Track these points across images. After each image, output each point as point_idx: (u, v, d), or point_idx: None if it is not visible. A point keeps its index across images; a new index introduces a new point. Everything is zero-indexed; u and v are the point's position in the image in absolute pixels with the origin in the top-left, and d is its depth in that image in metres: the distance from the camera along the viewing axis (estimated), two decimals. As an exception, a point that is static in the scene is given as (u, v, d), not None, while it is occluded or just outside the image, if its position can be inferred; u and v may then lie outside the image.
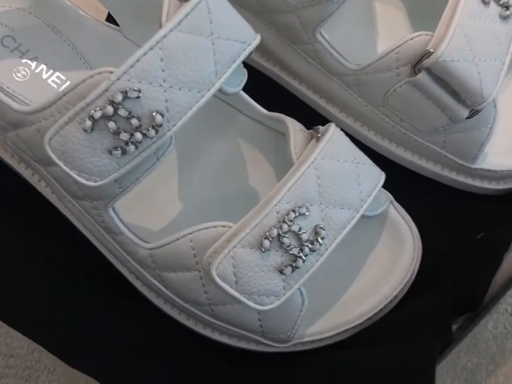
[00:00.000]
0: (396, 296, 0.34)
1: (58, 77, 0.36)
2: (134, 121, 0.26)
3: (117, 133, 0.26)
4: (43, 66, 0.36)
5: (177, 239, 0.30)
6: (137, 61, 0.26)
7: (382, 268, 0.34)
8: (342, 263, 0.33)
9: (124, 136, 0.26)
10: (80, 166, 0.27)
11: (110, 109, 0.26)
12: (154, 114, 0.26)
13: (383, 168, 0.34)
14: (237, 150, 0.36)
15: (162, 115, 0.26)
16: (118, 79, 0.26)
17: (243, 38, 0.28)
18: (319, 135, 0.31)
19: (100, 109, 0.26)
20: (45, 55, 0.36)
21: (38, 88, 0.35)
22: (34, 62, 0.36)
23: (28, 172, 0.34)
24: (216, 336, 0.33)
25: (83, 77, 0.27)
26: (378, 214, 0.33)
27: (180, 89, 0.26)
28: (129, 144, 0.27)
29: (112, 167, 0.27)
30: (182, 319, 0.34)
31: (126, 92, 0.26)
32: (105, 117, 0.26)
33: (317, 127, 0.33)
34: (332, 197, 0.30)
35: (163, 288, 0.32)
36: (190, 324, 0.33)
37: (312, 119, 0.36)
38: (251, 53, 0.28)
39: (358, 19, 0.38)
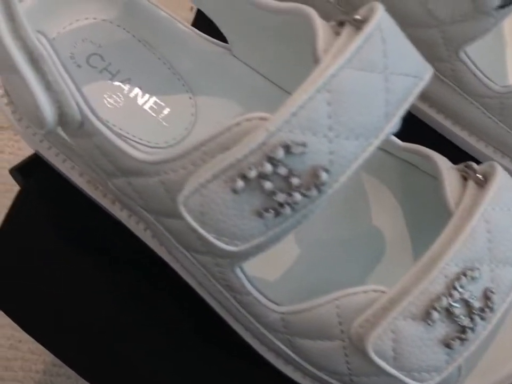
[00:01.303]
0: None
1: (155, 102, 0.31)
2: (295, 180, 0.21)
3: (272, 193, 0.22)
4: (137, 89, 0.31)
5: (320, 305, 0.26)
6: (302, 107, 0.21)
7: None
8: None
9: (280, 197, 0.22)
10: (222, 229, 0.23)
11: (268, 167, 0.21)
12: (318, 171, 0.21)
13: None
14: (361, 185, 0.31)
15: (327, 171, 0.22)
16: (279, 130, 0.21)
17: (417, 71, 0.23)
18: (479, 176, 0.27)
19: (255, 167, 0.21)
20: (138, 76, 0.31)
21: (133, 116, 0.30)
22: (127, 85, 0.31)
23: (124, 213, 0.30)
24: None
25: (227, 125, 0.22)
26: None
27: (346, 139, 0.22)
28: (285, 205, 0.22)
29: (259, 230, 0.23)
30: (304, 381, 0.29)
31: (288, 147, 0.21)
32: (261, 176, 0.21)
33: (470, 163, 0.28)
34: (503, 254, 0.25)
35: (293, 355, 0.27)
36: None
37: (444, 148, 0.31)
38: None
39: (507, 34, 0.33)
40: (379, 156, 0.31)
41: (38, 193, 0.32)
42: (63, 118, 0.24)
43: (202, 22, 0.32)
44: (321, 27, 0.23)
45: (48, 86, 0.23)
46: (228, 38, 0.30)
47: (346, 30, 0.22)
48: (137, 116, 0.31)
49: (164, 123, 0.31)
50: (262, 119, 0.22)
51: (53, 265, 0.31)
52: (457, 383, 0.27)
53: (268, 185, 0.21)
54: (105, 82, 0.31)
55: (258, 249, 0.24)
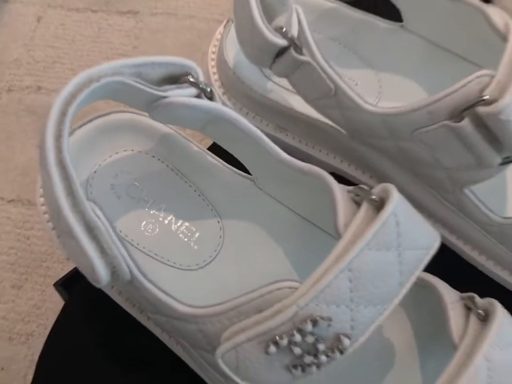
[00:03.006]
0: None
1: (187, 228, 0.34)
2: (321, 346, 0.25)
3: (300, 356, 0.25)
4: (171, 216, 0.34)
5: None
6: (327, 286, 0.24)
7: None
8: None
9: (308, 359, 0.25)
10: (254, 379, 0.26)
11: (298, 337, 0.24)
12: (341, 337, 0.25)
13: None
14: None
15: (349, 337, 0.25)
16: (307, 305, 0.24)
17: (427, 243, 0.26)
18: (480, 312, 0.30)
19: (286, 336, 0.24)
20: (171, 203, 0.34)
21: (168, 241, 0.34)
22: (162, 212, 0.34)
23: (161, 332, 0.33)
24: None
25: (261, 291, 0.25)
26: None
27: (365, 307, 0.25)
28: (312, 365, 0.25)
29: (286, 380, 0.26)
30: None
31: (315, 321, 0.24)
32: (291, 343, 0.24)
33: (472, 295, 0.31)
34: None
35: None
36: None
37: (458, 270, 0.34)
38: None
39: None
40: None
41: (79, 307, 0.35)
42: (115, 276, 0.27)
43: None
44: (341, 199, 0.26)
45: (103, 251, 0.26)
46: (251, 172, 0.34)
47: (364, 208, 0.26)
48: (171, 240, 0.34)
49: (195, 246, 0.34)
50: (291, 288, 0.25)
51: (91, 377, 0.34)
52: None
53: (297, 350, 0.25)
54: (142, 211, 0.34)
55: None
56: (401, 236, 0.25)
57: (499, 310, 0.30)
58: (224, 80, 0.38)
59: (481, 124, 0.28)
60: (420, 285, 0.33)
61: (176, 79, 0.29)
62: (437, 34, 0.38)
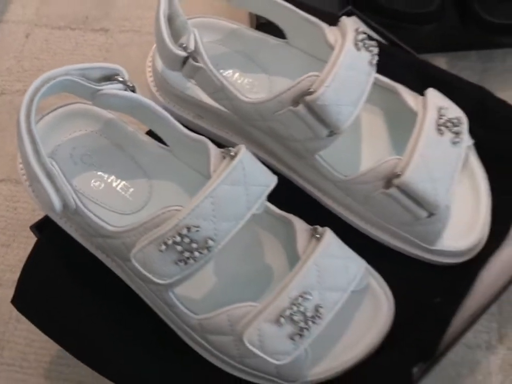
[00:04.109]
0: (376, 344, 0.46)
1: (124, 185, 0.48)
2: (194, 245, 0.39)
3: (181, 252, 0.39)
4: (113, 177, 0.48)
5: (220, 314, 0.42)
6: (197, 206, 0.38)
7: (366, 326, 0.46)
8: (337, 325, 0.46)
9: (187, 254, 0.39)
10: (155, 270, 0.40)
11: (178, 238, 0.38)
12: (207, 240, 0.39)
13: (369, 245, 0.47)
14: (259, 238, 0.48)
15: (213, 240, 0.39)
16: (184, 218, 0.38)
17: (266, 182, 0.40)
18: (318, 235, 0.44)
19: (171, 238, 0.38)
20: (113, 167, 0.49)
21: (110, 194, 0.48)
22: (106, 174, 0.48)
23: (107, 259, 0.47)
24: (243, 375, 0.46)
25: (157, 212, 0.39)
26: (362, 287, 0.46)
27: (223, 221, 0.39)
28: (190, 259, 0.39)
29: (176, 272, 0.40)
30: (214, 361, 0.46)
31: (189, 228, 0.38)
32: (174, 243, 0.38)
33: (316, 227, 0.45)
34: (327, 284, 0.42)
35: (207, 345, 0.44)
36: (219, 364, 0.45)
37: (316, 211, 0.49)
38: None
39: (354, 132, 0.50)
40: (269, 219, 0.48)
41: (49, 242, 0.49)
42: (66, 207, 0.41)
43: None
44: (213, 155, 0.41)
45: (57, 189, 0.40)
46: (169, 146, 0.48)
47: (226, 160, 0.40)
48: (112, 193, 0.48)
49: (130, 198, 0.48)
50: (176, 210, 0.39)
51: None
52: (307, 362, 0.44)
53: (179, 248, 0.39)
54: (92, 173, 0.48)
55: (178, 281, 0.41)
56: (247, 176, 0.39)
57: (328, 233, 0.44)
58: (156, 81, 0.52)
59: (310, 108, 0.42)
60: (282, 221, 0.47)
61: (110, 78, 0.43)
62: (311, 48, 0.52)
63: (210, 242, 0.39)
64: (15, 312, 0.52)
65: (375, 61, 0.45)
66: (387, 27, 0.64)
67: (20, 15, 0.83)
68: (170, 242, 0.38)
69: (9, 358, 0.57)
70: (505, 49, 0.79)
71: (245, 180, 0.39)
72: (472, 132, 0.51)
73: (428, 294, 0.48)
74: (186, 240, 0.38)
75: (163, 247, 0.39)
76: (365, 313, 0.47)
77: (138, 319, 0.47)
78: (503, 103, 0.53)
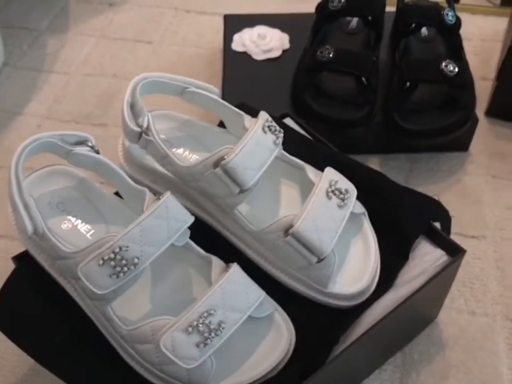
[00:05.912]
0: (277, 366, 0.56)
1: (87, 228, 0.62)
2: (124, 262, 0.52)
3: (114, 266, 0.52)
4: (79, 221, 0.62)
5: (144, 325, 0.54)
6: (129, 231, 0.51)
7: (269, 349, 0.57)
8: (244, 347, 0.56)
9: (118, 269, 0.52)
10: (94, 282, 0.52)
11: (112, 255, 0.51)
12: (134, 258, 0.51)
13: (277, 287, 0.59)
14: (187, 273, 0.61)
15: (138, 259, 0.52)
16: (118, 240, 0.51)
17: (184, 219, 0.54)
18: (228, 269, 0.56)
19: (108, 255, 0.51)
20: (80, 214, 0.63)
21: (75, 235, 0.61)
22: (74, 218, 0.62)
23: (64, 282, 0.59)
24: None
25: (99, 238, 0.52)
26: (265, 316, 0.57)
27: (148, 246, 0.52)
28: (121, 273, 0.52)
29: (110, 284, 0.52)
30: (142, 371, 0.56)
31: (121, 248, 0.51)
32: (109, 259, 0.51)
33: (229, 264, 0.58)
34: (230, 305, 0.54)
35: (134, 353, 0.55)
36: (145, 374, 0.56)
37: (237, 256, 0.61)
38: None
39: (267, 195, 0.65)
40: (194, 258, 0.60)
41: (27, 272, 0.62)
42: (35, 231, 0.54)
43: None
44: (148, 198, 0.54)
45: (31, 217, 0.54)
46: (124, 198, 0.62)
47: (156, 202, 0.54)
48: (76, 233, 0.62)
49: (90, 238, 0.62)
50: (114, 235, 0.52)
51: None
52: (213, 371, 0.54)
53: (112, 263, 0.51)
54: (63, 217, 0.63)
55: (113, 293, 0.53)
56: (169, 213, 0.53)
57: (235, 266, 0.56)
58: (124, 154, 0.68)
59: (225, 170, 0.57)
60: (206, 260, 0.59)
61: (81, 143, 0.59)
62: (241, 133, 0.68)
63: (136, 260, 0.52)
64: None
65: (278, 141, 0.60)
66: (324, 130, 0.81)
67: (36, 110, 1.03)
68: (106, 258, 0.51)
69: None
70: (430, 153, 0.95)
71: (167, 215, 0.53)
72: (366, 203, 0.64)
73: (317, 324, 0.59)
74: (118, 257, 0.51)
75: (101, 261, 0.51)
76: (268, 338, 0.58)
77: (90, 334, 0.58)
78: (393, 183, 0.68)
